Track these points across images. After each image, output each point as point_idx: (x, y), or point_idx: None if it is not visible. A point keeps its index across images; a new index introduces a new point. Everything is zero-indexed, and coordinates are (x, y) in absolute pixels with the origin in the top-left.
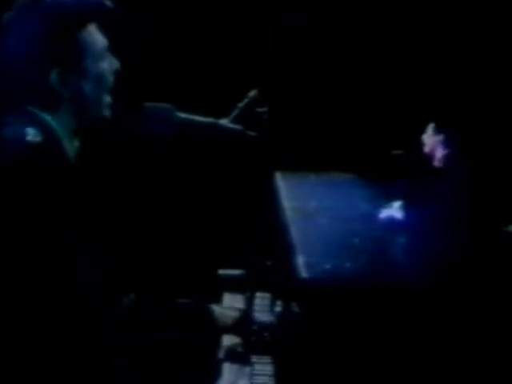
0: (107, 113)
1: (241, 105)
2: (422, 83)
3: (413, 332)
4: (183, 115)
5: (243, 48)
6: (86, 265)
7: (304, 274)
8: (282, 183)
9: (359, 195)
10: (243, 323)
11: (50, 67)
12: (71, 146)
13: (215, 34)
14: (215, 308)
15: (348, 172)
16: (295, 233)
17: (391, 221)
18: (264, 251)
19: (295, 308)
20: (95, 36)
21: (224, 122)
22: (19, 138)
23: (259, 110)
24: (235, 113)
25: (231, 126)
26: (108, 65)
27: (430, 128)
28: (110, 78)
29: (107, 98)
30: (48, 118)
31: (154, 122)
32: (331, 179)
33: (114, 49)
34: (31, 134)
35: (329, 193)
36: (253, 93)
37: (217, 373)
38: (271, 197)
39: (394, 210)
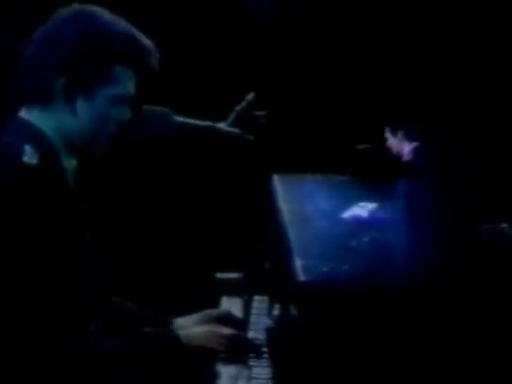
0: (98, 151)
1: (238, 108)
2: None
3: (411, 334)
4: (180, 119)
5: (241, 51)
6: (85, 270)
7: (302, 277)
8: (280, 186)
9: (357, 197)
10: (238, 346)
11: (61, 73)
12: (69, 163)
13: (212, 36)
14: (181, 332)
15: (345, 174)
16: (293, 236)
17: (356, 220)
18: (262, 254)
19: (293, 311)
20: (125, 80)
21: (221, 125)
22: (15, 156)
23: (257, 113)
24: (233, 116)
25: (229, 129)
26: (117, 113)
27: (387, 133)
28: (112, 126)
29: (102, 140)
30: (49, 129)
31: (151, 126)
32: (329, 181)
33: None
34: (28, 154)
35: (326, 195)
36: (250, 96)
37: (215, 377)
38: (268, 200)
39: (358, 210)
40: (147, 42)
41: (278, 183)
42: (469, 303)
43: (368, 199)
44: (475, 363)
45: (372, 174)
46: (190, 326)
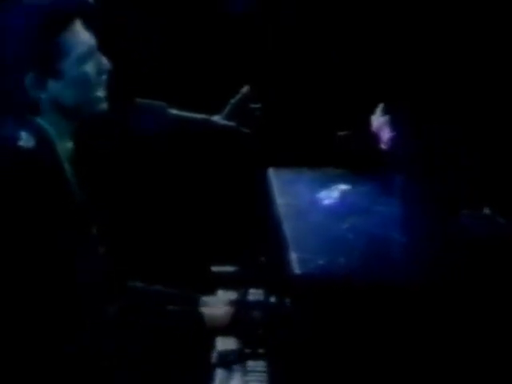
0: (102, 108)
1: (233, 101)
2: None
3: (407, 328)
4: (176, 112)
5: (236, 44)
6: (84, 265)
7: (297, 270)
8: (275, 179)
9: (353, 190)
10: (236, 324)
11: (25, 70)
12: (64, 148)
13: (208, 30)
14: (204, 311)
15: (342, 167)
16: (288, 229)
17: (336, 206)
18: (257, 247)
19: (289, 304)
20: (78, 37)
21: (217, 118)
22: (12, 141)
23: (252, 106)
24: (228, 109)
25: (224, 122)
26: (93, 67)
27: (379, 109)
28: (98, 79)
29: (98, 94)
30: (39, 120)
31: (147, 120)
32: (325, 175)
33: (106, 45)
34: (24, 139)
35: (322, 188)
36: (245, 89)
37: (210, 371)
38: (264, 193)
39: (335, 195)
40: None
41: (274, 176)
42: (464, 295)
43: (366, 193)
44: (473, 358)
45: (352, 160)
46: (217, 306)
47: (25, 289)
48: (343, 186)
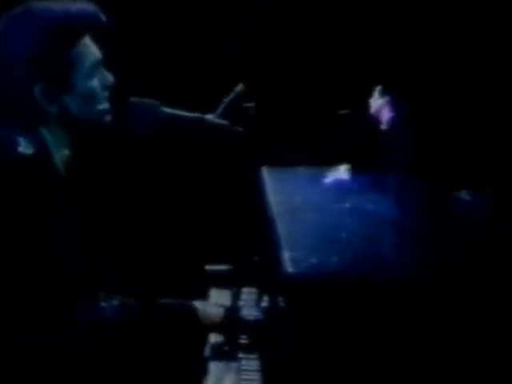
0: (106, 120)
1: (227, 100)
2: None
3: (401, 327)
4: (169, 110)
5: (229, 42)
6: (77, 264)
7: (290, 268)
8: (269, 178)
9: (347, 189)
10: (229, 322)
11: (35, 82)
12: (61, 156)
13: (201, 28)
14: (198, 307)
15: (336, 166)
16: (281, 227)
17: (338, 184)
18: (250, 246)
19: (282, 303)
20: (87, 50)
21: (210, 117)
22: (11, 147)
23: (246, 104)
24: (221, 108)
25: (217, 121)
26: (99, 81)
27: (377, 91)
28: (102, 94)
29: (102, 107)
30: (41, 129)
31: (140, 118)
32: (318, 173)
33: (99, 45)
34: (23, 145)
35: (316, 187)
36: (239, 87)
37: (204, 368)
38: (257, 192)
39: (340, 173)
40: (78, 7)
41: (267, 176)
42: (459, 295)
43: (360, 192)
44: (466, 356)
45: (350, 145)
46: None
47: (19, 286)
48: (343, 168)
